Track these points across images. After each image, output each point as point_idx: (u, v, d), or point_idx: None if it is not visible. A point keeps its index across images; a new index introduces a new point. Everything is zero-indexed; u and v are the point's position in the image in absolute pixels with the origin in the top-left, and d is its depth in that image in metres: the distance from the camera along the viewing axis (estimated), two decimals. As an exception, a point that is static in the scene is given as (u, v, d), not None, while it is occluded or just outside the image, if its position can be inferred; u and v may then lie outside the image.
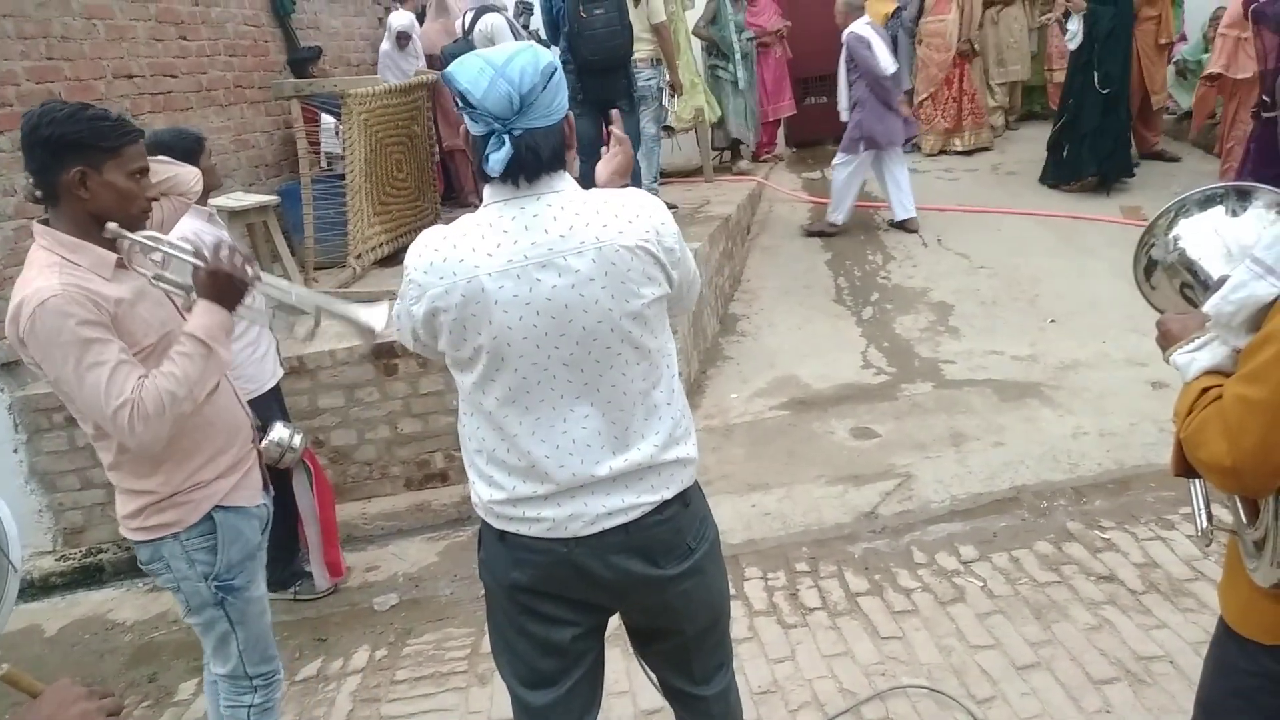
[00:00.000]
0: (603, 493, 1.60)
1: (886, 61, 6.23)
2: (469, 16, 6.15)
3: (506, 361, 1.54)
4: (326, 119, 5.92)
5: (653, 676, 1.92)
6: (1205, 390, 1.29)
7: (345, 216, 5.24)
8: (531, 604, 1.66)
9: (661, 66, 6.05)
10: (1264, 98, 5.51)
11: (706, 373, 5.02)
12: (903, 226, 6.68)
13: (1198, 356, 1.36)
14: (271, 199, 4.92)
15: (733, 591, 3.17)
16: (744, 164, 8.37)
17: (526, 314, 1.51)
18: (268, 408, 3.04)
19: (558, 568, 1.62)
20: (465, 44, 5.88)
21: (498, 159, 1.47)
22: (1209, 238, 1.57)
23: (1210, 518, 1.48)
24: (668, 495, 1.64)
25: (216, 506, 2.04)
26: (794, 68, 8.58)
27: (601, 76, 5.19)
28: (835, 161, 6.65)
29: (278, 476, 2.57)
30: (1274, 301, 1.21)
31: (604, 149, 1.82)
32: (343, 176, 5.25)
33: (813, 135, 9.22)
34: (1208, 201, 1.60)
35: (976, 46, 8.13)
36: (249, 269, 1.97)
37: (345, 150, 5.18)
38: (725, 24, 7.76)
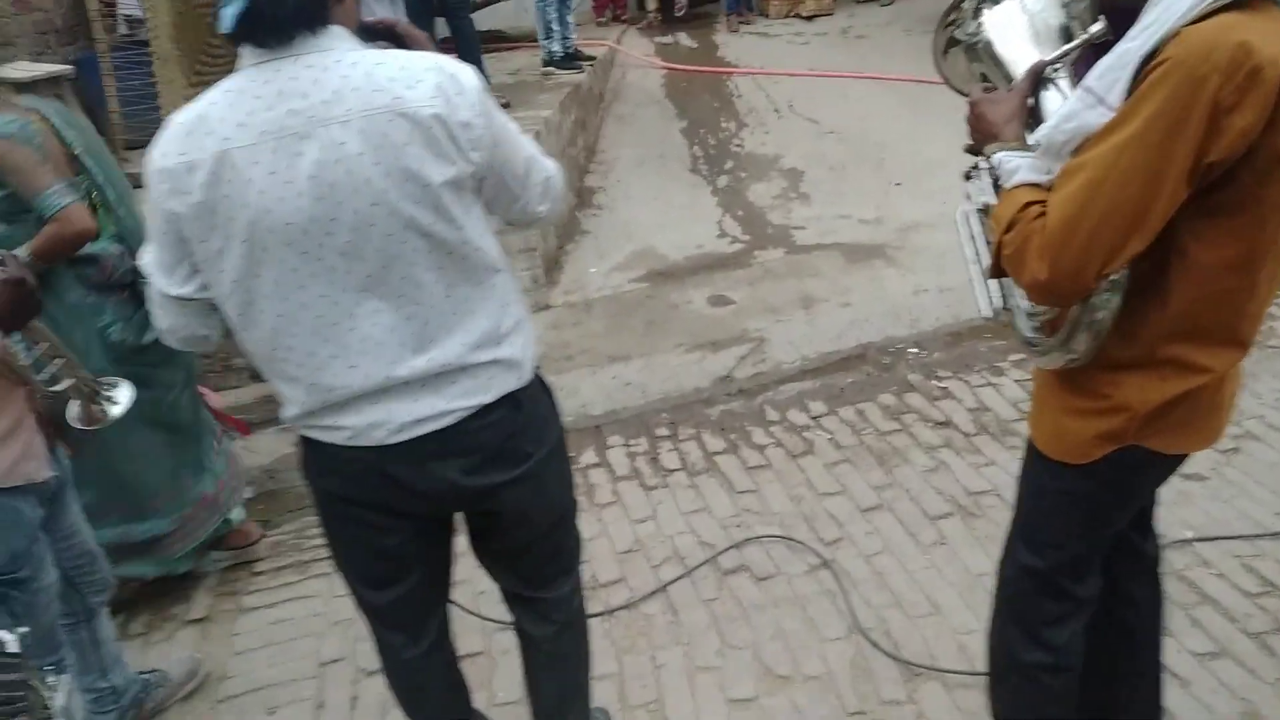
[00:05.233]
0: (409, 397, 1.43)
1: None
2: None
3: (269, 251, 1.32)
4: (121, -22, 5.26)
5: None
6: (1028, 205, 1.29)
7: (155, 89, 4.72)
8: (348, 512, 1.54)
9: None
10: None
11: (564, 248, 4.93)
12: None
13: (1022, 164, 1.34)
14: (65, 69, 4.37)
15: (596, 459, 3.22)
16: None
17: (288, 194, 1.28)
18: None
19: (367, 477, 1.48)
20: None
21: (229, 13, 1.25)
22: (1016, 19, 1.53)
23: (1004, 302, 1.55)
24: (486, 399, 1.47)
25: None
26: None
27: None
28: None
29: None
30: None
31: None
32: (147, 43, 4.71)
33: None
34: None
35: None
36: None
37: (146, 14, 4.63)
38: None
